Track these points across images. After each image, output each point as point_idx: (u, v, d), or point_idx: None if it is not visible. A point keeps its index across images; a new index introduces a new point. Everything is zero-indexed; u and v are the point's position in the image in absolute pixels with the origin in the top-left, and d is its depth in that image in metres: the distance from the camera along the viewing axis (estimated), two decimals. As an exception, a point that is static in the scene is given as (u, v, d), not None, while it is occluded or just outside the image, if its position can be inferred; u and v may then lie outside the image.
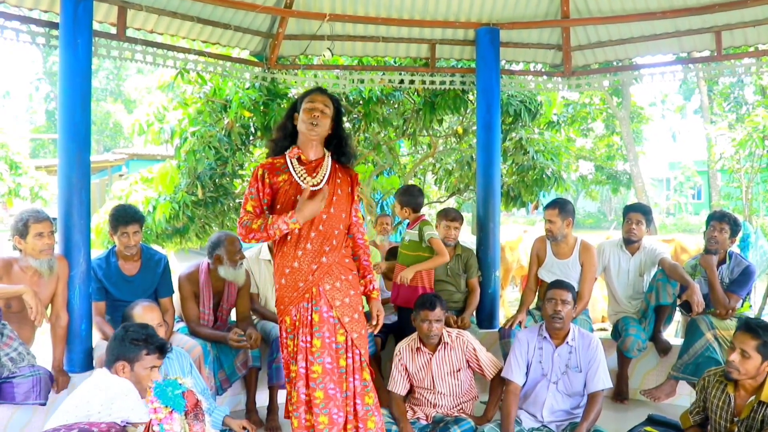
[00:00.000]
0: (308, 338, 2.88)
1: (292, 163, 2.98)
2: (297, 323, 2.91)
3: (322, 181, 2.98)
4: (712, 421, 2.99)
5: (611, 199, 31.28)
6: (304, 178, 2.95)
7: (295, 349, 2.90)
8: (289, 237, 2.92)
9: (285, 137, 3.07)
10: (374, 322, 3.10)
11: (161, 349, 2.80)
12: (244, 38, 5.18)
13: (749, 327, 2.87)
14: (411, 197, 4.38)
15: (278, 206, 2.96)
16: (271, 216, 2.88)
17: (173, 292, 4.04)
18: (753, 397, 2.83)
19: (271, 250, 4.40)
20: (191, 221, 6.64)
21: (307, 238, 2.91)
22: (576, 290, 4.27)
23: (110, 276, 3.87)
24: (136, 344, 2.73)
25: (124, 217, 3.81)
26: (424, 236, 4.24)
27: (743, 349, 2.81)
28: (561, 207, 4.30)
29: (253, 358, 3.94)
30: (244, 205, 2.97)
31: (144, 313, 3.22)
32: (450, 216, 4.60)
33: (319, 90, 3.09)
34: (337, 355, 2.91)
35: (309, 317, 2.89)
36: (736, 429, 2.85)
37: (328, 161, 3.05)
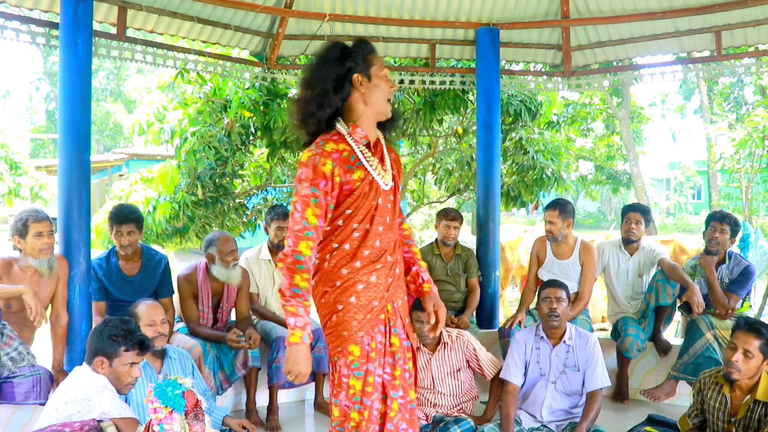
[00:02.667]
0: (390, 369, 2.30)
1: (362, 153, 2.28)
2: (372, 353, 2.26)
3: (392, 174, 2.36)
4: (709, 422, 2.99)
5: (611, 199, 31.27)
6: (380, 174, 2.30)
7: (365, 388, 2.26)
8: (366, 251, 2.27)
9: (335, 113, 2.29)
10: (432, 321, 2.43)
11: (141, 345, 2.72)
12: (244, 38, 5.18)
13: (751, 326, 2.83)
14: None
15: (349, 211, 2.26)
16: (304, 306, 2.18)
17: (173, 292, 4.04)
18: (749, 397, 2.83)
19: (271, 250, 4.40)
20: (191, 221, 6.64)
21: (388, 247, 2.31)
22: (575, 290, 4.28)
23: (110, 276, 3.88)
24: (114, 340, 2.66)
25: (119, 216, 3.82)
26: None
27: (747, 349, 2.77)
28: (561, 208, 4.30)
29: (253, 358, 3.94)
30: (303, 212, 2.18)
31: (148, 310, 3.22)
32: (449, 215, 4.60)
33: (373, 47, 2.35)
34: (408, 387, 2.36)
35: (387, 343, 2.30)
36: (734, 429, 2.85)
37: (383, 143, 2.39)
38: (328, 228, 2.28)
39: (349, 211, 2.26)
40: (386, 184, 2.31)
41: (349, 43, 2.36)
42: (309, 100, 2.28)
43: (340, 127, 2.30)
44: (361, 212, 2.26)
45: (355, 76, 2.27)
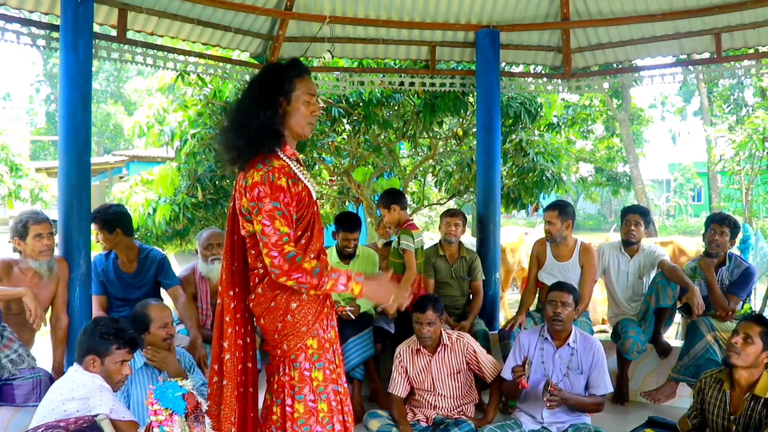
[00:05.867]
0: (334, 358, 2.48)
1: (295, 167, 2.42)
2: (326, 344, 2.45)
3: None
4: (709, 421, 2.99)
5: (611, 200, 31.31)
6: (311, 184, 2.48)
7: (326, 378, 2.42)
8: (311, 254, 2.38)
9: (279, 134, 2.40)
10: None
11: (132, 343, 2.75)
12: (245, 40, 5.19)
13: (756, 316, 2.96)
14: (392, 196, 4.31)
15: (294, 218, 2.39)
16: (330, 268, 2.28)
17: (179, 282, 4.04)
18: (748, 394, 2.85)
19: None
20: (191, 223, 6.65)
21: (322, 248, 2.51)
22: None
23: (108, 273, 3.92)
24: (106, 338, 2.68)
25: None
26: (399, 245, 4.22)
27: (748, 333, 2.85)
28: (561, 209, 4.30)
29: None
30: (272, 224, 2.24)
31: (161, 313, 3.24)
32: (450, 212, 4.62)
33: (307, 70, 2.49)
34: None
35: (330, 336, 2.49)
36: (734, 427, 2.86)
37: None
38: None
39: (301, 222, 2.39)
40: (316, 194, 2.49)
41: (285, 61, 2.49)
42: (253, 127, 2.34)
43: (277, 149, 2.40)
44: (305, 220, 2.40)
45: (279, 98, 2.39)
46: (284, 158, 2.38)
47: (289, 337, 2.39)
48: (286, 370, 2.40)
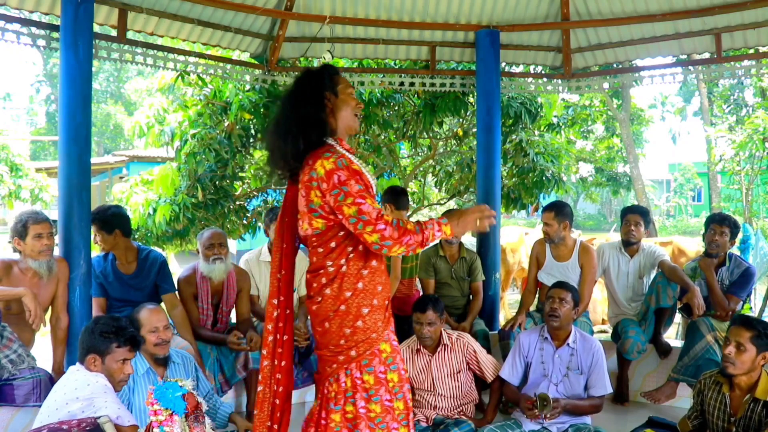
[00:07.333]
0: (402, 364, 2.46)
1: (360, 163, 2.40)
2: (398, 346, 2.46)
3: None
4: (709, 423, 2.99)
5: (611, 201, 31.33)
6: (372, 178, 2.45)
7: (401, 379, 2.42)
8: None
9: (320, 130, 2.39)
10: None
11: (133, 341, 2.74)
12: (245, 40, 5.19)
13: (743, 320, 2.92)
14: (388, 194, 4.29)
15: None
16: (420, 222, 2.28)
17: (175, 288, 4.01)
18: (748, 396, 2.84)
19: (271, 252, 4.39)
20: (191, 223, 6.64)
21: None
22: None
23: (107, 275, 3.90)
24: (106, 337, 2.67)
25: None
26: None
27: (738, 341, 2.83)
28: (558, 210, 4.30)
29: (254, 361, 3.93)
30: (367, 201, 2.21)
31: (150, 317, 3.19)
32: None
33: (336, 70, 2.54)
34: None
35: (395, 343, 2.48)
36: (734, 429, 2.85)
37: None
38: (341, 233, 2.31)
39: None
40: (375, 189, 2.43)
41: (315, 67, 2.54)
42: (293, 124, 2.36)
43: (330, 140, 2.38)
44: None
45: (325, 93, 2.40)
46: (343, 152, 2.34)
47: (360, 344, 2.32)
48: (357, 375, 2.33)
